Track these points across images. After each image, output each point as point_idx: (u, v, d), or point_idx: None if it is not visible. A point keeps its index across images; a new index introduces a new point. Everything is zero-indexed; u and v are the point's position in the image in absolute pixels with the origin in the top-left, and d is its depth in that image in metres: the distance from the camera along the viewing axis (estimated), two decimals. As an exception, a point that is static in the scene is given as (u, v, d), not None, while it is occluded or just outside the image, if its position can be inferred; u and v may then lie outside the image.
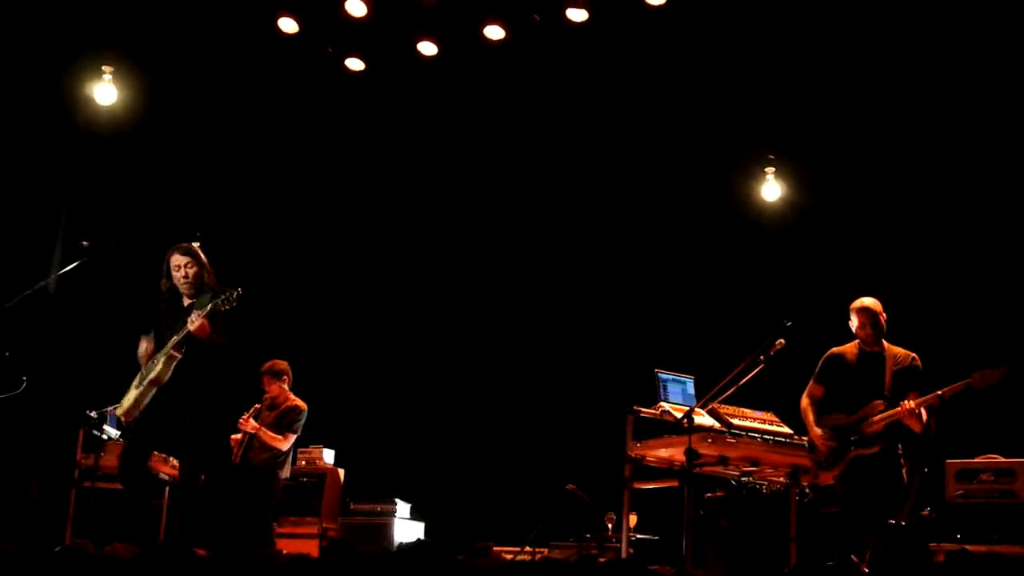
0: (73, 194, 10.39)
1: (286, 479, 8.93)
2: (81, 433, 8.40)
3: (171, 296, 7.02)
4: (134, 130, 10.32)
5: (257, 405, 9.04)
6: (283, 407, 8.88)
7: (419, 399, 11.22)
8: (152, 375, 6.76)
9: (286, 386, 8.98)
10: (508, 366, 11.00)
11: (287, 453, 8.87)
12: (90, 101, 9.68)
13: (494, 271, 11.34)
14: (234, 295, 6.69)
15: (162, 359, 6.75)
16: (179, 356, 6.77)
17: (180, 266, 7.02)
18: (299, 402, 8.94)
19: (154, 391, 6.78)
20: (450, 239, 11.56)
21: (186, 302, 7.02)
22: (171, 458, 8.87)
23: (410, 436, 11.02)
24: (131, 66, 9.79)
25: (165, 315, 7.03)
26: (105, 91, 9.59)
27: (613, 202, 10.88)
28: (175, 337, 6.78)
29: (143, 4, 9.54)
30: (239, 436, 8.88)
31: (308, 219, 11.71)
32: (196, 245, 7.11)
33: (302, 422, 8.89)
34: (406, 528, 9.65)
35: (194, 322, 6.66)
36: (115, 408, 7.09)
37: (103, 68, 9.57)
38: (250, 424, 8.70)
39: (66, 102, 9.94)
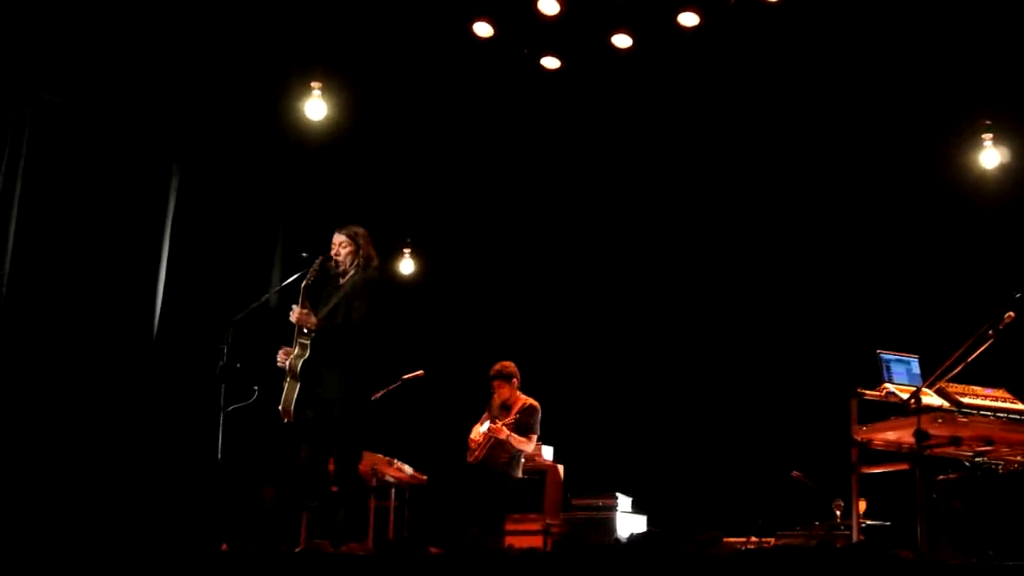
0: (289, 208, 10.76)
1: (517, 479, 9.07)
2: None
3: (317, 280, 7.03)
4: (343, 142, 10.64)
5: (486, 414, 9.20)
6: (519, 407, 8.99)
7: (636, 391, 11.18)
8: (288, 367, 6.82)
9: (516, 387, 9.10)
10: (727, 352, 10.85)
11: (521, 455, 9.00)
12: (301, 117, 9.96)
13: (709, 256, 11.20)
14: (315, 264, 6.78)
15: (296, 348, 6.80)
16: (307, 342, 6.80)
17: (335, 244, 7.09)
18: (533, 401, 9.06)
19: (298, 386, 6.81)
20: (661, 227, 11.46)
21: (340, 282, 7.08)
22: (395, 460, 9.06)
23: (629, 429, 11.01)
24: (338, 81, 10.05)
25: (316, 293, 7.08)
26: (315, 107, 9.85)
27: (827, 180, 10.56)
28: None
29: (345, 19, 9.77)
30: (477, 437, 9.02)
31: (517, 219, 11.84)
32: (364, 230, 7.15)
33: (539, 419, 9.03)
34: (628, 522, 9.60)
35: (293, 311, 6.74)
36: None
37: (311, 84, 9.83)
38: (503, 432, 8.77)
39: (278, 120, 10.28)
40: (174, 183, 9.76)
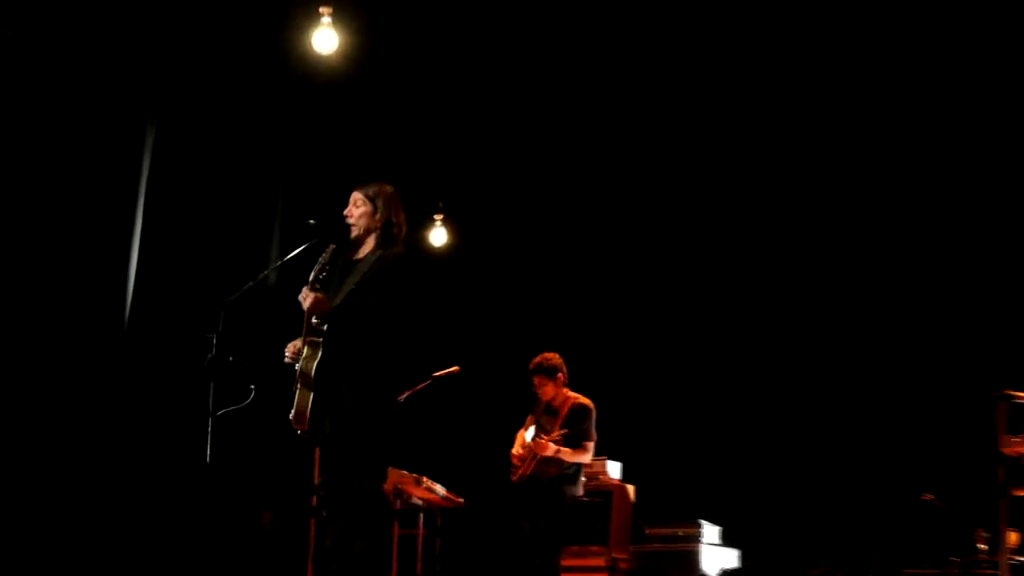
0: (292, 166, 10.64)
1: (576, 497, 8.97)
2: (318, 452, 8.31)
3: (334, 256, 6.73)
4: (359, 83, 10.56)
5: (530, 416, 9.12)
6: (568, 410, 8.91)
7: (723, 393, 11.07)
8: (299, 371, 6.59)
9: (562, 384, 9.00)
10: (839, 346, 10.66)
11: (580, 467, 8.90)
12: (307, 52, 9.77)
13: (817, 235, 11.06)
14: (325, 254, 6.51)
15: (305, 349, 6.56)
16: (320, 340, 6.56)
17: (349, 203, 6.83)
18: (584, 399, 8.96)
19: (311, 395, 6.57)
20: (762, 200, 11.32)
21: (355, 256, 6.83)
22: (424, 478, 8.99)
23: (715, 440, 10.91)
24: (352, 6, 9.86)
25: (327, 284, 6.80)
26: (324, 38, 9.69)
27: (961, 156, 10.40)
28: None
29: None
30: (520, 451, 8.95)
31: (576, 177, 11.67)
32: (390, 189, 6.87)
33: (595, 421, 8.91)
34: (716, 556, 9.59)
35: (306, 298, 6.50)
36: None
37: (320, 11, 9.68)
38: (550, 448, 8.65)
39: (278, 57, 10.20)
40: (149, 137, 9.69)
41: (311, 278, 6.52)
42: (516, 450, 9.00)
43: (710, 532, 9.66)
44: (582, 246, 11.80)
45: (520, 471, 8.85)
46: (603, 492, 9.69)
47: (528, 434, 9.01)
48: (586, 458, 8.84)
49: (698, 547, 9.49)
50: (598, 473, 9.82)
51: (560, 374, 8.97)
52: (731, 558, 9.71)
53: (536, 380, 8.98)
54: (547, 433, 8.79)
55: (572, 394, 9.01)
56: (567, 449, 8.68)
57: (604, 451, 9.77)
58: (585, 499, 9.20)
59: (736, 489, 10.55)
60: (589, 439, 8.81)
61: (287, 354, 6.74)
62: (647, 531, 9.72)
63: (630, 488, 9.86)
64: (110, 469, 8.95)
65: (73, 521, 8.60)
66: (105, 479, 8.90)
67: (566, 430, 8.72)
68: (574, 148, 11.62)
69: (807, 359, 10.80)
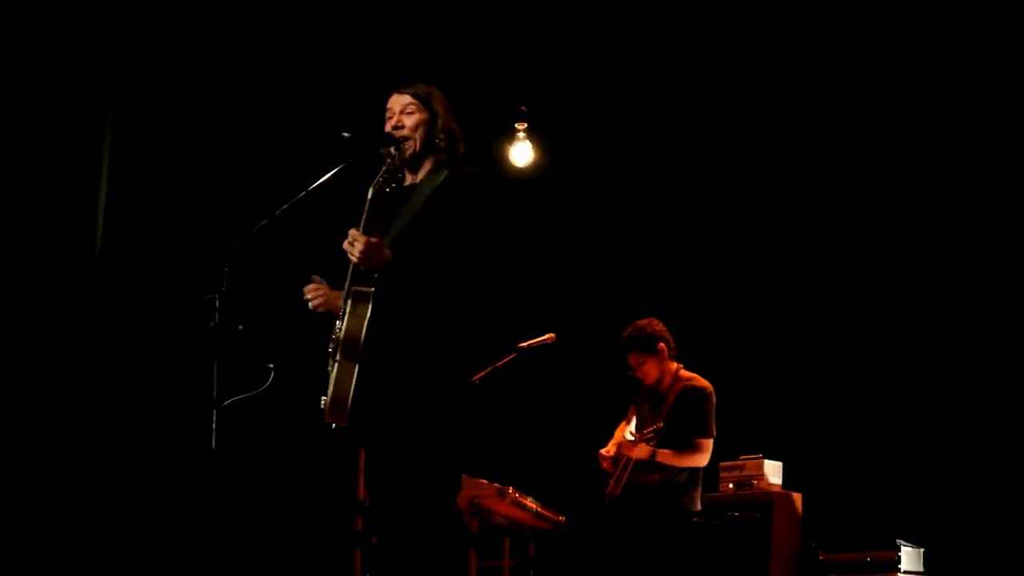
0: (314, 60, 10.52)
1: (692, 513, 8.96)
2: (363, 455, 8.35)
3: (384, 182, 6.45)
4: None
5: (632, 406, 9.31)
6: (677, 395, 9.01)
7: (917, 378, 10.78)
8: (338, 337, 6.35)
9: (667, 358, 9.08)
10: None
11: (696, 472, 8.96)
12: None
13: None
14: (389, 160, 6.27)
15: (348, 304, 6.33)
16: (370, 291, 6.30)
17: (393, 111, 6.55)
18: (699, 380, 9.07)
19: (357, 368, 6.31)
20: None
21: (408, 181, 6.61)
22: (510, 489, 8.86)
23: (908, 431, 10.67)
24: None
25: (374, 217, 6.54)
26: None
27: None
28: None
29: None
30: (611, 450, 9.05)
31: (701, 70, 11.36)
32: (437, 92, 6.61)
33: (713, 409, 9.00)
34: (919, 591, 9.27)
35: (355, 241, 6.18)
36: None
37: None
38: (637, 448, 8.80)
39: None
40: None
41: (366, 211, 6.24)
42: (605, 450, 9.13)
43: (911, 557, 9.62)
44: (721, 169, 11.67)
45: (613, 480, 8.95)
46: (760, 503, 9.88)
47: (629, 430, 9.19)
48: (700, 460, 8.93)
49: (894, 577, 9.21)
50: (752, 477, 10.10)
51: (662, 344, 9.06)
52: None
53: (632, 359, 9.08)
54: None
55: (685, 373, 9.14)
56: (667, 451, 8.78)
57: (760, 447, 10.12)
58: (734, 514, 9.45)
59: (938, 499, 10.41)
60: (705, 434, 8.88)
61: (308, 298, 6.59)
62: (822, 556, 9.77)
63: (796, 497, 10.07)
64: (73, 486, 8.94)
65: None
66: (65, 500, 8.88)
67: (660, 423, 8.83)
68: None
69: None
